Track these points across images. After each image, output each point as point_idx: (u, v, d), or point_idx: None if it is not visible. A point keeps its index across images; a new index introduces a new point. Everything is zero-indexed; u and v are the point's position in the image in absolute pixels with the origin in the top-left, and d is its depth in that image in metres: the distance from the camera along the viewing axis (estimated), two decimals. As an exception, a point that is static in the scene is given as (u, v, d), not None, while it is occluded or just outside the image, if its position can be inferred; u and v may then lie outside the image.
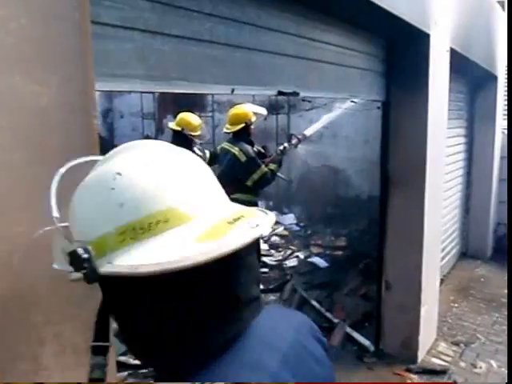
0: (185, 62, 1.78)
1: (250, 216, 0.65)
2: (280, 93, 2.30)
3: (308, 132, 4.16)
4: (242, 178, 3.77)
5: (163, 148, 0.69)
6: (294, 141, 4.01)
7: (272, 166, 3.84)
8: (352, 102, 3.51)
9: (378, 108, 3.56)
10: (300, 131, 4.30)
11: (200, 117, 4.70)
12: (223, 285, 0.63)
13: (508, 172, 5.17)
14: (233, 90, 2.02)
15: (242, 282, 0.66)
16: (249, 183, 3.77)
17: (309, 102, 5.09)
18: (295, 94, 2.40)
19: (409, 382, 3.35)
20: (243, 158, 3.79)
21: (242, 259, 0.65)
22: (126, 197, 0.60)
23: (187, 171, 0.66)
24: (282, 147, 3.98)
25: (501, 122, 6.38)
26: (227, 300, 0.64)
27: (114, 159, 0.66)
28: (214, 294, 0.63)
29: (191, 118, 4.35)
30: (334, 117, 4.23)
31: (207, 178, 0.69)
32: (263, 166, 3.78)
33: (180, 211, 0.61)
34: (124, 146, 0.70)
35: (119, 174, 0.62)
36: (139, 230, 0.60)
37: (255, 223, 0.62)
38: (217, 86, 1.94)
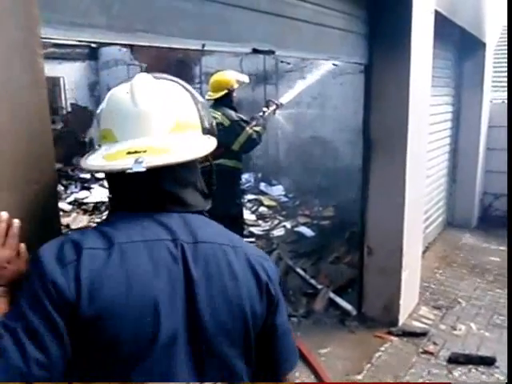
0: (151, 13, 1.72)
1: (151, 153, 0.89)
2: (255, 50, 2.25)
3: (284, 100, 4.12)
4: (227, 142, 3.69)
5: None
6: (272, 107, 3.96)
7: (257, 128, 3.76)
8: (333, 64, 3.45)
9: (361, 72, 3.51)
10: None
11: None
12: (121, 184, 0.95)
13: (508, 162, 5.17)
14: (203, 46, 1.97)
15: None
16: (235, 147, 3.69)
17: (288, 64, 5.02)
18: (271, 52, 2.35)
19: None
20: (227, 122, 3.72)
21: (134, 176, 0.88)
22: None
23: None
24: (261, 113, 3.93)
25: (489, 91, 6.33)
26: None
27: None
28: (120, 186, 0.96)
29: None
30: (310, 82, 4.21)
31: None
32: (248, 128, 3.71)
33: (112, 133, 0.94)
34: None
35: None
36: (102, 138, 0.97)
37: (143, 160, 0.87)
38: (186, 41, 1.88)
